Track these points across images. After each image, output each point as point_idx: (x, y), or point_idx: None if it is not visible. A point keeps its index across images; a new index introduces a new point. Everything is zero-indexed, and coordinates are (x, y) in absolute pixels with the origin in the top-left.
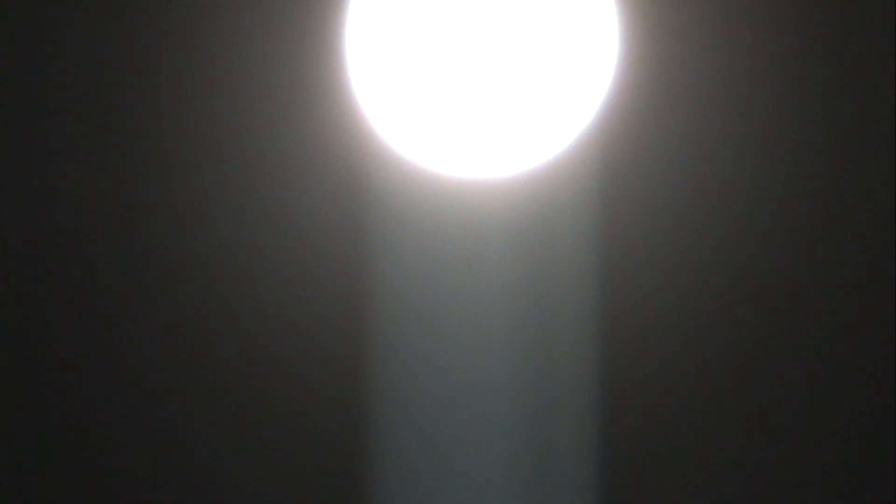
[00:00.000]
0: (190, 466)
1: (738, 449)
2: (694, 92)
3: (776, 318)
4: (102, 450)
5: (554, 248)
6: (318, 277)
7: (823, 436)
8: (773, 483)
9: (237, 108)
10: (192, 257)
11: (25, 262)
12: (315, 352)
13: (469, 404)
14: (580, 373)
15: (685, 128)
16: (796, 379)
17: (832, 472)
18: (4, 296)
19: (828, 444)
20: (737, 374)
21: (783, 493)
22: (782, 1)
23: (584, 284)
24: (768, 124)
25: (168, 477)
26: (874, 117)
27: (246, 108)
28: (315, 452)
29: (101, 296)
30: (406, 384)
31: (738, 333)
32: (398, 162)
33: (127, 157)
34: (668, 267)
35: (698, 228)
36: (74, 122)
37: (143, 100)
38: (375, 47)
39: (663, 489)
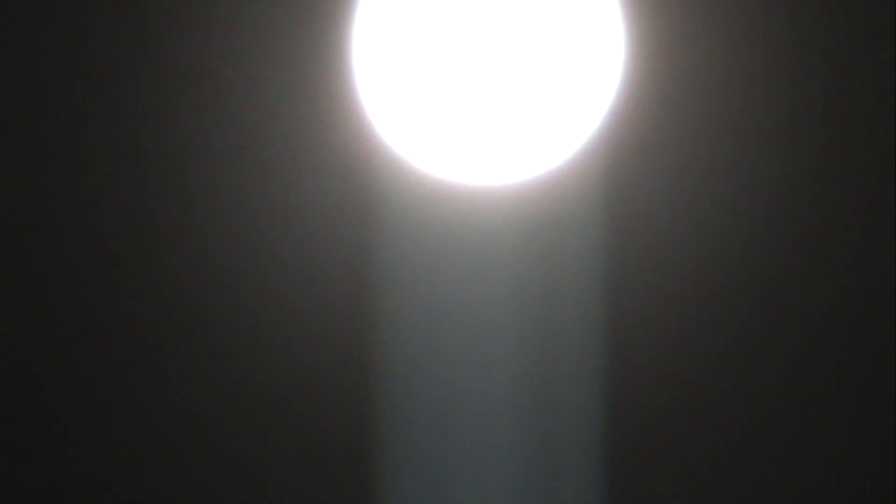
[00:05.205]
0: (201, 459)
1: (740, 447)
2: (700, 98)
3: (782, 323)
4: (111, 445)
5: (560, 253)
6: (325, 282)
7: (828, 441)
8: (774, 480)
9: (245, 114)
10: (198, 260)
11: (38, 263)
12: (321, 355)
13: (474, 410)
14: (586, 376)
15: (691, 134)
16: (801, 382)
17: (834, 470)
18: (7, 295)
19: (831, 445)
20: (742, 381)
21: (785, 490)
22: (789, 5)
23: (591, 290)
24: (776, 130)
25: (179, 467)
26: (883, 120)
27: (253, 113)
28: (322, 450)
29: (107, 296)
30: (411, 389)
31: (746, 339)
32: (405, 168)
33: (131, 159)
34: (674, 272)
35: (705, 234)
36: (81, 124)
37: (150, 102)
38: (382, 54)
39: (667, 486)
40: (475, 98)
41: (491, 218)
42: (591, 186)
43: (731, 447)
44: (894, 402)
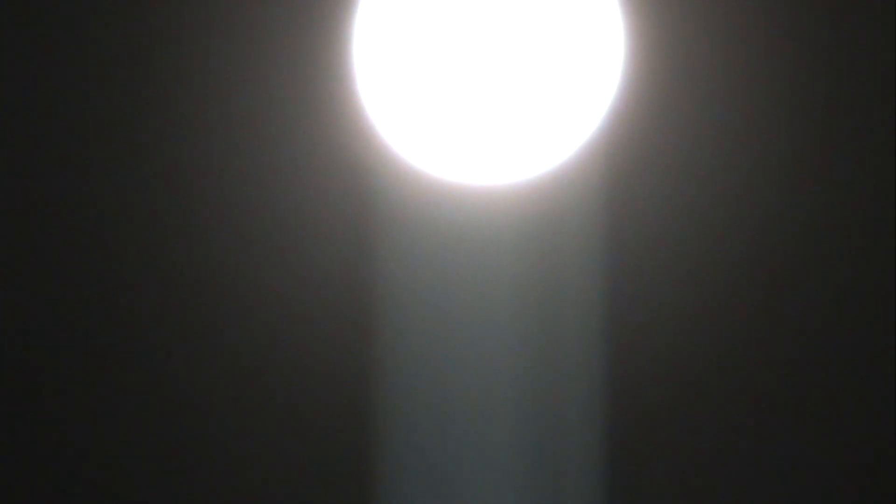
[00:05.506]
0: (200, 459)
1: (740, 446)
2: (699, 98)
3: (783, 323)
4: (110, 445)
5: (560, 253)
6: (326, 283)
7: (828, 441)
8: (775, 480)
9: (245, 114)
10: (198, 260)
11: (38, 263)
12: (322, 355)
13: (475, 410)
14: (586, 376)
15: (691, 134)
16: (801, 382)
17: (834, 470)
18: (9, 293)
19: (831, 445)
20: (742, 381)
21: (785, 490)
22: (789, 6)
23: (591, 290)
24: (776, 130)
25: (179, 467)
26: (883, 120)
27: (255, 115)
28: (322, 450)
29: (107, 296)
30: (412, 389)
31: (746, 339)
32: (405, 168)
33: (132, 159)
34: (674, 272)
35: (705, 234)
36: (81, 124)
37: (151, 102)
38: (383, 55)
39: (667, 485)
40: (475, 98)
41: (491, 218)
42: (591, 186)
43: (732, 447)
44: (894, 402)
